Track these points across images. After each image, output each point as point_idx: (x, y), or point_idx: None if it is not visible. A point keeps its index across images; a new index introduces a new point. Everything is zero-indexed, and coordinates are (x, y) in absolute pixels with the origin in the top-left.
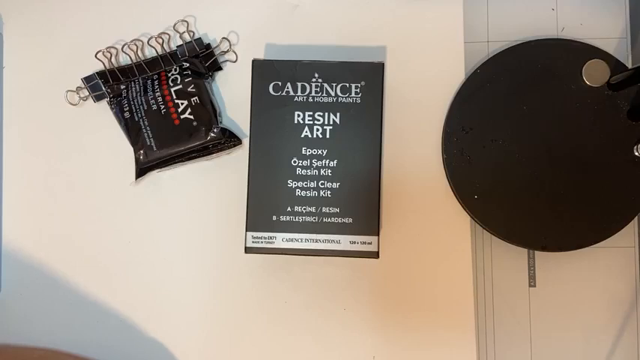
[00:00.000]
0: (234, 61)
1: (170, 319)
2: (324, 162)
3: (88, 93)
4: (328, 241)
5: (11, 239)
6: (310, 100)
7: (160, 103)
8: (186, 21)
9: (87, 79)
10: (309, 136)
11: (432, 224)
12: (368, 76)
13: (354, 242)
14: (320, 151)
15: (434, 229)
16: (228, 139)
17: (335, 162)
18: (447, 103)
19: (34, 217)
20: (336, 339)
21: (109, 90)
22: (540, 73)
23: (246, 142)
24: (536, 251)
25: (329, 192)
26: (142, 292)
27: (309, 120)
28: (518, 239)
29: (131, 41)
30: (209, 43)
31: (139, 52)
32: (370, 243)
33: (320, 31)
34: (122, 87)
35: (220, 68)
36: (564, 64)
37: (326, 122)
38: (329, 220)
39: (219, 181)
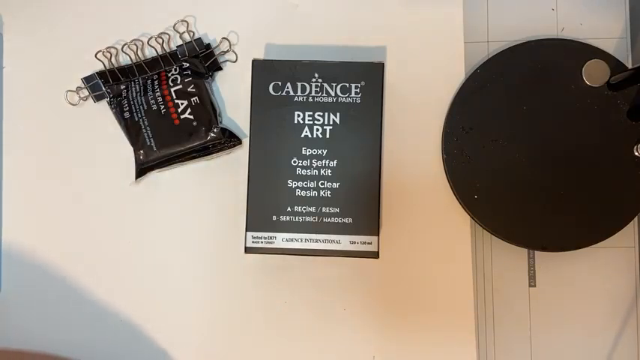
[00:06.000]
0: (234, 61)
1: (170, 318)
2: (324, 162)
3: (88, 93)
4: (328, 241)
5: (11, 239)
6: (310, 100)
7: (160, 103)
8: (186, 21)
9: (87, 79)
10: (309, 136)
11: (432, 224)
12: (368, 76)
13: (354, 242)
14: (320, 151)
15: (434, 229)
16: (228, 139)
17: (335, 162)
18: (447, 103)
19: (33, 216)
20: (336, 339)
21: (109, 90)
22: (540, 73)
23: (246, 142)
24: (536, 251)
25: (329, 192)
26: (141, 291)
27: (309, 120)
28: (518, 239)
29: (131, 41)
30: (209, 43)
31: (139, 52)
32: (370, 243)
33: (320, 31)
34: (122, 87)
35: (220, 68)
36: (564, 64)
37: (326, 122)
38: (329, 220)
39: (220, 181)
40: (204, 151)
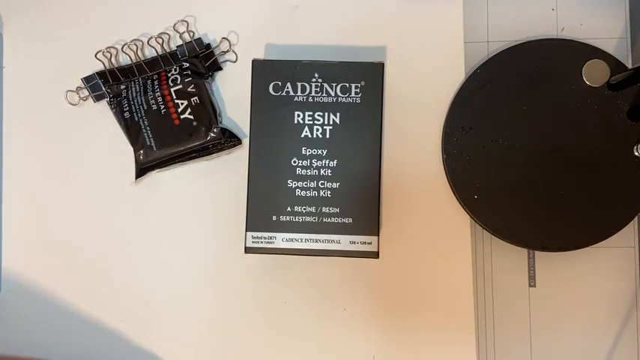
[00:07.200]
0: (234, 61)
1: (170, 318)
2: (324, 162)
3: (88, 93)
4: (328, 241)
5: (11, 239)
6: (310, 100)
7: (160, 103)
8: (186, 21)
9: (87, 79)
10: (309, 136)
11: (432, 224)
12: (368, 76)
13: (354, 242)
14: (320, 151)
15: (434, 229)
16: (228, 139)
17: (335, 162)
18: (447, 103)
19: (33, 216)
20: (336, 339)
21: (109, 90)
22: (540, 73)
23: (246, 142)
24: (536, 251)
25: (329, 192)
26: (141, 291)
27: (309, 120)
28: (518, 239)
29: (131, 41)
30: (209, 43)
31: (139, 52)
32: (370, 243)
33: (320, 31)
34: (122, 87)
35: (220, 68)
36: (564, 64)
37: (326, 122)
38: (329, 220)
39: (219, 181)
40: (204, 151)
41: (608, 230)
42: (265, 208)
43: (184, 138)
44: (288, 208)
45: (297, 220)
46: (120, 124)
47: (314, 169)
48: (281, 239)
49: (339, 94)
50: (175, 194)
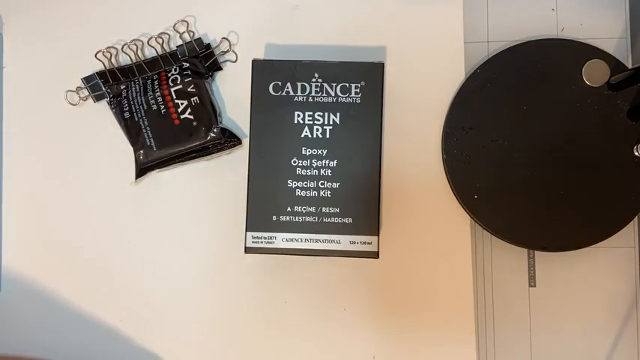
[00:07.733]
0: (234, 61)
1: (171, 318)
2: (324, 162)
3: (88, 93)
4: (328, 241)
5: (11, 239)
6: (310, 100)
7: (160, 103)
8: (186, 21)
9: (87, 79)
10: (309, 136)
11: (432, 224)
12: (368, 76)
13: (354, 242)
14: (320, 151)
15: (434, 229)
16: (228, 139)
17: (335, 162)
18: (447, 103)
19: (33, 216)
20: (336, 339)
21: (109, 90)
22: (540, 73)
23: (246, 142)
24: (536, 251)
25: (329, 192)
26: (141, 291)
27: (309, 120)
28: (518, 239)
29: (131, 41)
30: (209, 43)
31: (139, 52)
32: (370, 243)
33: (320, 31)
34: (122, 87)
35: (220, 68)
36: (564, 64)
37: (326, 122)
38: (329, 220)
39: (219, 181)
40: (204, 151)
41: (608, 230)
42: (265, 208)
43: (184, 138)
44: (288, 208)
45: (297, 220)
46: (120, 124)
47: (314, 169)
48: (281, 239)
49: (339, 94)
50: (175, 194)
